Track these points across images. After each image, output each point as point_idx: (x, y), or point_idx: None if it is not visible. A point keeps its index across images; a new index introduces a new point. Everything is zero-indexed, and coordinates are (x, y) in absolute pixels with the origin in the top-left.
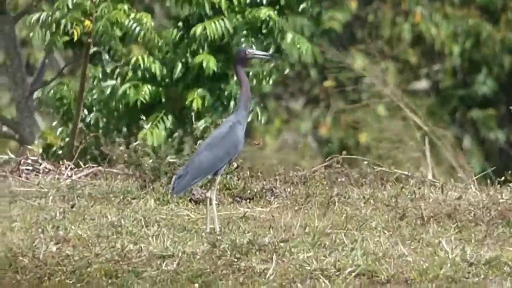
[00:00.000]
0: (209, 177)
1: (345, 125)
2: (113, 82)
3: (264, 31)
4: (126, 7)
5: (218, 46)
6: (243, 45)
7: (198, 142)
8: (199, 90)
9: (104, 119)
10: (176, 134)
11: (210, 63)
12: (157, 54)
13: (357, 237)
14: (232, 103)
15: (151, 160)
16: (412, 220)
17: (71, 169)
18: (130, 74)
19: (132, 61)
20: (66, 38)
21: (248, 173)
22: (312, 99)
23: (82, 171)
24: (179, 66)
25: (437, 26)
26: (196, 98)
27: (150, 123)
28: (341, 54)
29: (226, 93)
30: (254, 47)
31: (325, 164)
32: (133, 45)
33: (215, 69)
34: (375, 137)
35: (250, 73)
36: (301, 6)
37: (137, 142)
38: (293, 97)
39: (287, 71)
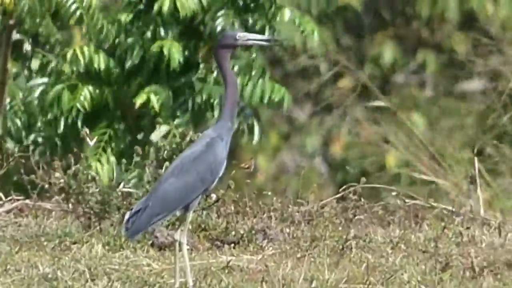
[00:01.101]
0: (178, 213)
1: (367, 141)
2: (44, 80)
3: (250, 4)
4: None
5: (184, 28)
6: (221, 24)
7: (165, 165)
8: (154, 86)
9: (32, 134)
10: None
11: (173, 50)
12: (103, 43)
13: None
14: (213, 113)
15: (97, 189)
16: (459, 272)
17: None
18: (67, 69)
19: (68, 53)
20: None
21: (233, 208)
22: (322, 105)
23: (3, 206)
24: (135, 51)
25: (495, 1)
26: (150, 93)
27: (93, 149)
28: (362, 42)
29: (202, 97)
30: (235, 26)
31: (338, 195)
32: (75, 31)
33: (180, 60)
34: (408, 158)
35: (236, 68)
36: None
37: (77, 165)
38: (296, 103)
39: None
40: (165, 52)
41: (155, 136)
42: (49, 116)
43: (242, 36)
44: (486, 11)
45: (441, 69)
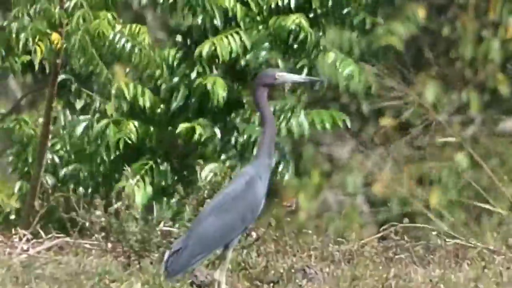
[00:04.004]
0: (218, 252)
1: (409, 180)
2: (87, 117)
3: (293, 46)
4: (110, 15)
5: (229, 67)
6: (264, 65)
7: (206, 202)
8: (201, 120)
9: (74, 170)
10: (174, 193)
11: (217, 86)
12: (153, 81)
13: None
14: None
15: (137, 228)
16: None
17: (28, 240)
18: (110, 109)
19: (113, 89)
20: (27, 58)
21: (273, 247)
22: (364, 144)
23: (43, 244)
24: (181, 91)
25: None
26: (196, 126)
27: (135, 175)
28: (405, 82)
29: (244, 137)
30: (280, 67)
31: (379, 235)
32: (116, 68)
33: (224, 97)
34: (450, 197)
35: (276, 107)
36: (345, 10)
37: (119, 203)
38: (338, 141)
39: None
40: (209, 87)
41: (204, 174)
42: (92, 150)
43: (281, 75)
44: None
45: (484, 109)
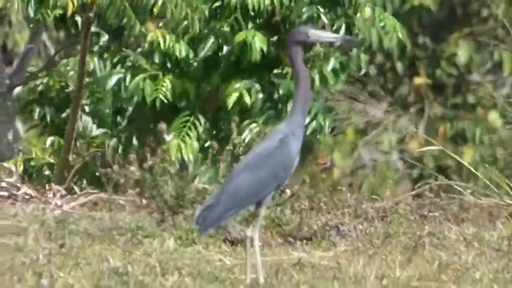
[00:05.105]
0: (251, 208)
1: (444, 138)
2: (121, 71)
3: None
4: None
5: (267, 22)
6: (305, 20)
7: (240, 159)
8: (243, 81)
9: (101, 125)
10: (209, 150)
11: (256, 41)
12: (184, 34)
13: None
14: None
15: (172, 183)
16: None
17: (62, 196)
18: (143, 63)
19: (148, 39)
20: (59, 12)
21: (307, 203)
22: (399, 102)
23: (77, 199)
24: (209, 42)
25: None
26: (240, 90)
27: (175, 132)
28: (438, 41)
29: (280, 92)
30: (324, 24)
31: (414, 192)
32: (148, 22)
33: (264, 50)
34: (485, 155)
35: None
36: None
37: (153, 158)
38: (373, 99)
39: (363, 70)
40: (249, 41)
41: (244, 135)
42: (129, 107)
43: (314, 33)
44: None
45: None
